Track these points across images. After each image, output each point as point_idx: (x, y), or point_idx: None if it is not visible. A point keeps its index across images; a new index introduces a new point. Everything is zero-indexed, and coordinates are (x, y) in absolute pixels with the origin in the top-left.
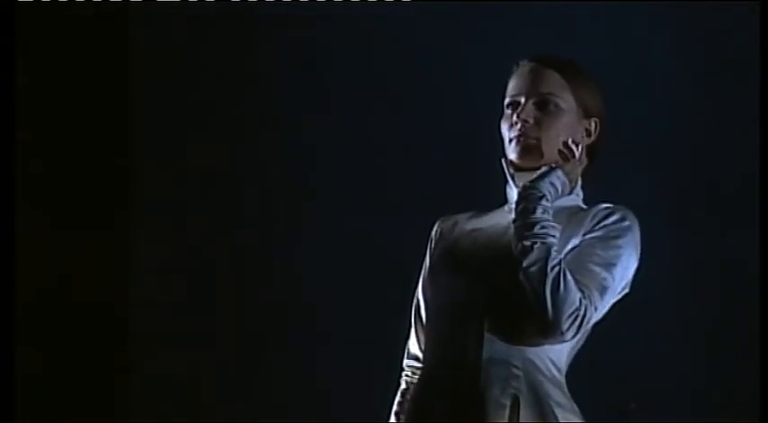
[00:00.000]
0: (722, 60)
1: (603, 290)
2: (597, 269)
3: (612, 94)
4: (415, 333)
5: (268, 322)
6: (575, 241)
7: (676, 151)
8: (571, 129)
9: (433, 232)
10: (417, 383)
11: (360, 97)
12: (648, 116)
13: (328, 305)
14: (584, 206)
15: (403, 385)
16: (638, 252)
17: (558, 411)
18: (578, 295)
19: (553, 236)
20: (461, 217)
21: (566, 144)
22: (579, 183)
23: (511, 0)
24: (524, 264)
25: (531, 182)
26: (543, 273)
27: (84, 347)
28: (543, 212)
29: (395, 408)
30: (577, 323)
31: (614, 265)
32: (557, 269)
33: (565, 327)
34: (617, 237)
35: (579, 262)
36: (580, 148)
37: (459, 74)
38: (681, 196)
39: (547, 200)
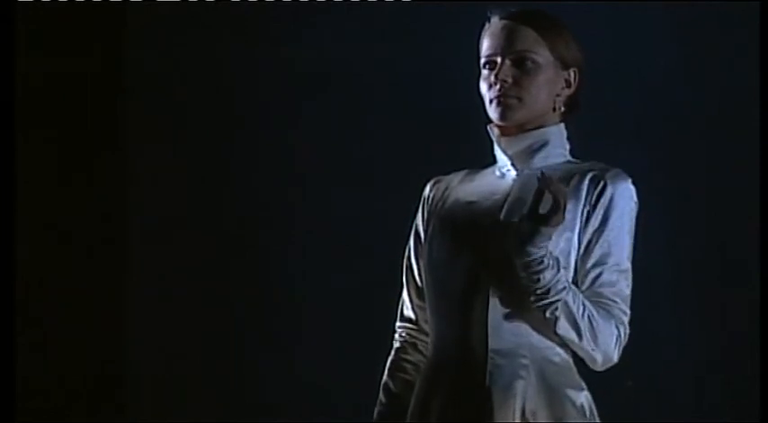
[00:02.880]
0: (722, 60)
1: (626, 288)
2: (615, 275)
3: (612, 94)
4: (408, 296)
5: (264, 321)
6: (572, 217)
7: (676, 151)
8: (551, 83)
9: (426, 194)
10: (423, 376)
11: (359, 97)
12: (648, 116)
13: (325, 305)
14: (573, 159)
15: (397, 344)
16: (636, 211)
17: (570, 394)
18: (612, 322)
19: (564, 288)
20: (453, 180)
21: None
22: (564, 134)
23: (512, 0)
24: (557, 330)
25: (524, 247)
26: (577, 329)
27: (83, 347)
28: (549, 271)
29: (389, 364)
30: (621, 342)
31: (626, 260)
32: (586, 316)
33: (615, 356)
34: (618, 227)
35: (598, 276)
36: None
37: (458, 73)
38: (680, 197)
39: (546, 259)
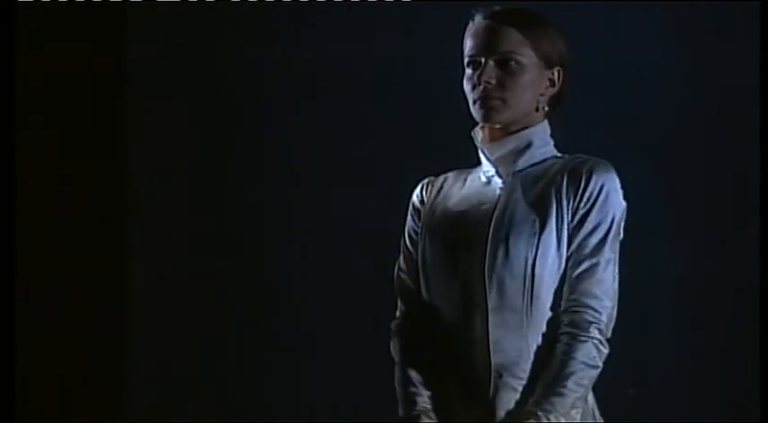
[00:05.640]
0: (722, 60)
1: (611, 279)
2: (601, 266)
3: (612, 94)
4: (407, 291)
5: (264, 321)
6: (560, 213)
7: (676, 151)
8: (535, 83)
9: (415, 198)
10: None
11: (359, 97)
12: (648, 116)
13: (325, 305)
14: (558, 154)
15: (397, 330)
16: (620, 198)
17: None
18: (586, 340)
19: (566, 413)
20: (444, 184)
21: None
22: (548, 131)
23: (510, 0)
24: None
25: None
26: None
27: (83, 347)
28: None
29: (394, 343)
30: (604, 334)
31: (611, 250)
32: (578, 384)
33: (604, 349)
34: (603, 216)
35: (585, 270)
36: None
37: (459, 73)
38: (680, 197)
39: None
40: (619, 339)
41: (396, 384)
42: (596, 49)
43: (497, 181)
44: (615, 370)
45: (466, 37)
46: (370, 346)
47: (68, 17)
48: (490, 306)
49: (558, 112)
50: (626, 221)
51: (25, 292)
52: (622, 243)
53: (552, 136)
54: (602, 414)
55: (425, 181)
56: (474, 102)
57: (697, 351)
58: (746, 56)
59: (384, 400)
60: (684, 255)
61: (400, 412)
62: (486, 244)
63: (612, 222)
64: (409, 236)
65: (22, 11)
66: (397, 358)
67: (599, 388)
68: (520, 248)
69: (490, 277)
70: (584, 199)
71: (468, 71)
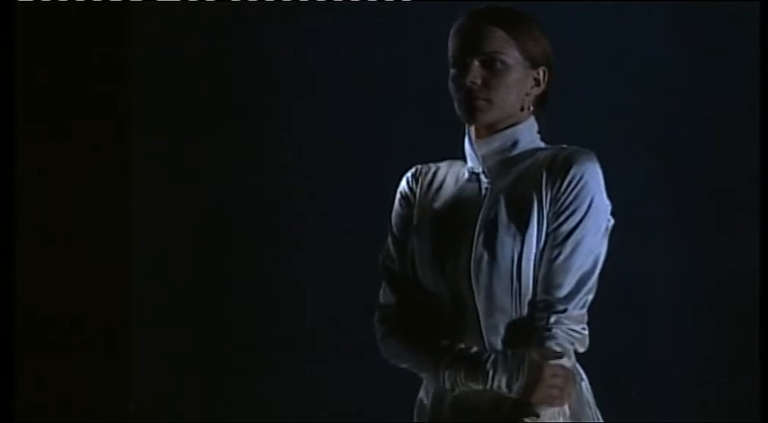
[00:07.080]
0: (722, 60)
1: (578, 267)
2: (566, 254)
3: (612, 94)
4: (400, 281)
5: (264, 321)
6: (538, 204)
7: (676, 150)
8: (520, 83)
9: (405, 185)
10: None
11: (358, 96)
12: (648, 116)
13: (325, 303)
14: (543, 146)
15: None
16: (602, 188)
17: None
18: (552, 333)
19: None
20: (435, 180)
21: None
22: (535, 129)
23: (510, 0)
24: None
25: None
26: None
27: (82, 347)
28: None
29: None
30: (575, 331)
31: (579, 242)
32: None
33: (582, 334)
34: (575, 209)
35: (555, 257)
36: None
37: None
38: (680, 195)
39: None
40: (620, 339)
41: (402, 355)
42: (596, 48)
43: (483, 179)
44: (615, 370)
45: (451, 37)
46: (371, 345)
47: (68, 17)
48: (480, 308)
49: (555, 112)
50: (627, 221)
51: (25, 292)
52: (623, 242)
53: (539, 132)
54: (602, 415)
55: (415, 169)
56: (459, 102)
57: (697, 351)
58: (746, 56)
59: (384, 399)
60: (685, 254)
61: (426, 368)
62: (472, 245)
63: (588, 210)
64: (397, 224)
65: (22, 11)
66: (399, 343)
67: (599, 388)
68: (505, 248)
69: (477, 279)
70: (562, 188)
71: (454, 71)
